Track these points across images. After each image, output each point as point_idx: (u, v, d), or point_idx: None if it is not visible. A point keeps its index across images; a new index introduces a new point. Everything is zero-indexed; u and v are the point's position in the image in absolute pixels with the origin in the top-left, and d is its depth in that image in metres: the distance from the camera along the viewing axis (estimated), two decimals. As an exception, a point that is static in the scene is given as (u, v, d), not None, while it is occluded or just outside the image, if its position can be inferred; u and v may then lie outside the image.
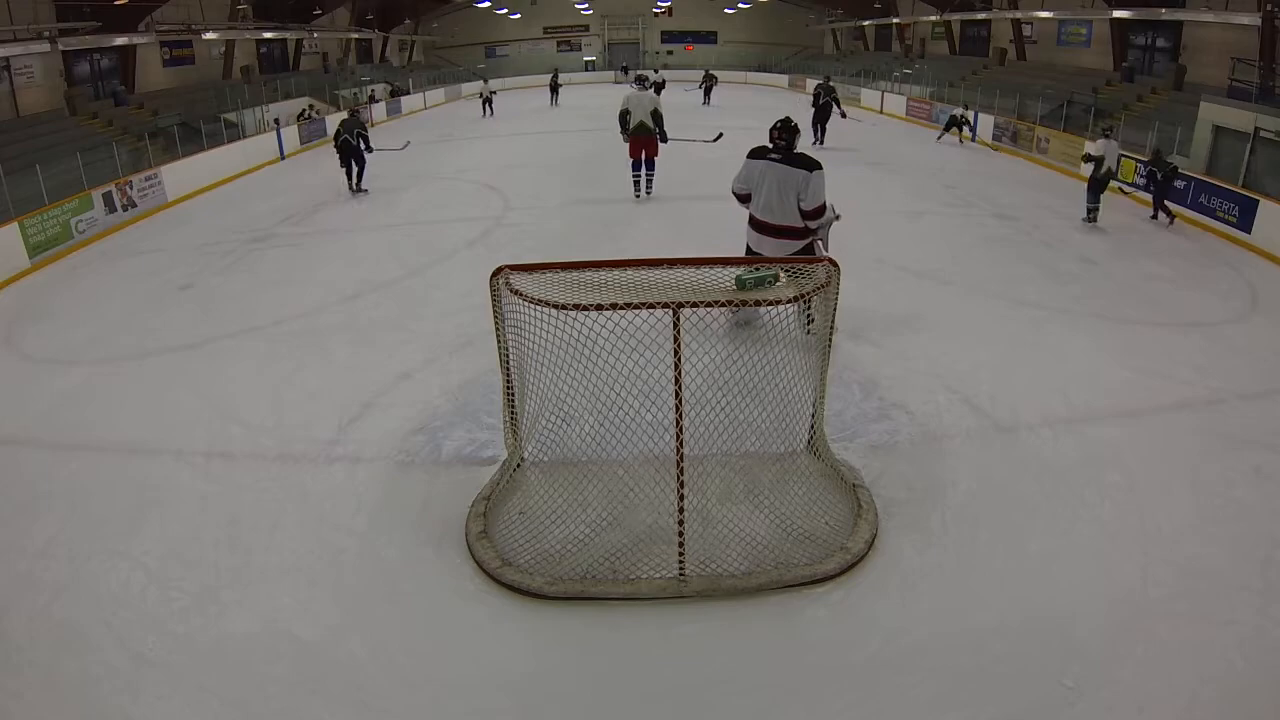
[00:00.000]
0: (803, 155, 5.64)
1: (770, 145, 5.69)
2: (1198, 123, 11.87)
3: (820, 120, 15.45)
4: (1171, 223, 10.01)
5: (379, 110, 24.08)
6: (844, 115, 16.19)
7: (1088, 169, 9.98)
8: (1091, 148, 10.22)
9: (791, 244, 5.66)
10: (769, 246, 5.65)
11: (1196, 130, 11.87)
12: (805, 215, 5.57)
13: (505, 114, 23.46)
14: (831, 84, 16.12)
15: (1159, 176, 9.98)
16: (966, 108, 17.39)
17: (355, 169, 12.21)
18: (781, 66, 34.17)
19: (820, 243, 5.94)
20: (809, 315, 3.80)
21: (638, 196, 10.82)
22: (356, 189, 12.28)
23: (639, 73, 12.34)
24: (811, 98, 16.40)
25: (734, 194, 5.93)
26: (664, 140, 10.31)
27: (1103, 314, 6.76)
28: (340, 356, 6.17)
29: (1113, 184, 10.34)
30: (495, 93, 24.61)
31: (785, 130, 5.66)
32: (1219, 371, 5.63)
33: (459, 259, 8.61)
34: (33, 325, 7.38)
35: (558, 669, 3.20)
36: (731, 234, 6.47)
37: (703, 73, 26.39)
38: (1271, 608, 3.40)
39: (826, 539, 3.76)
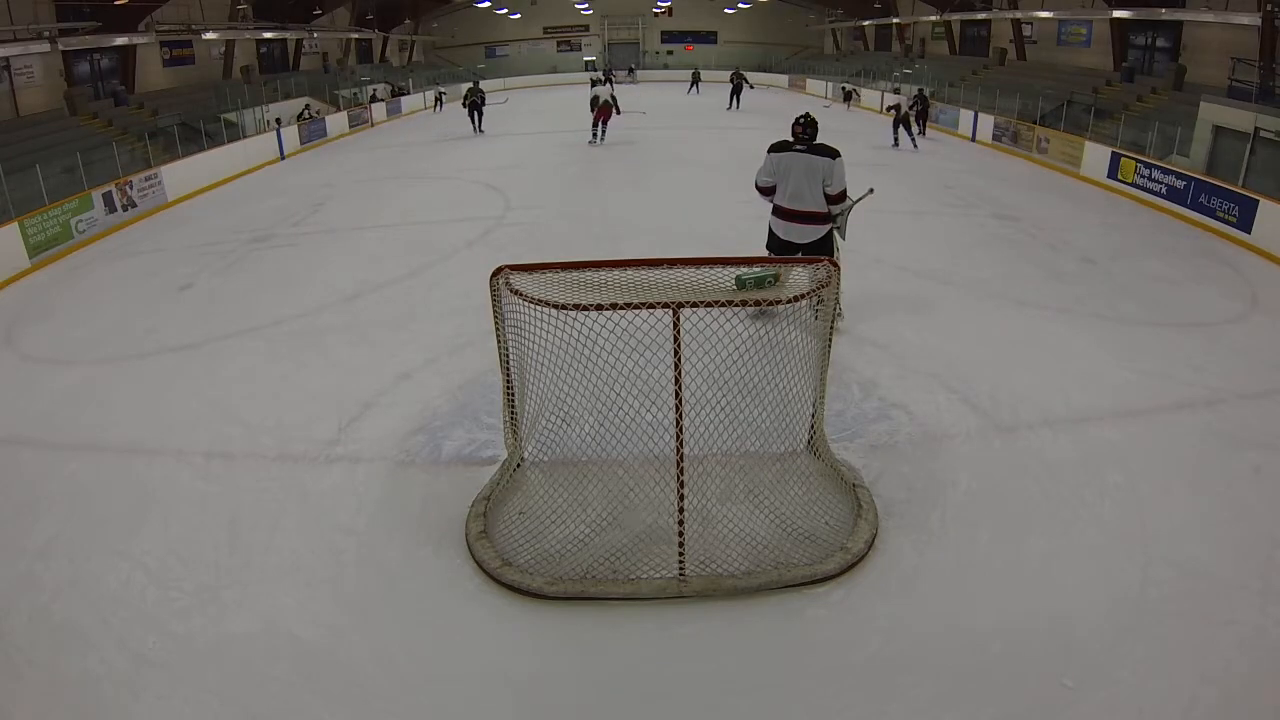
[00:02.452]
0: (824, 145, 5.98)
1: (793, 139, 6.04)
2: (1198, 123, 11.87)
3: (734, 94, 23.58)
4: (923, 134, 16.85)
5: (379, 110, 24.14)
6: (751, 87, 24.58)
7: (890, 113, 16.41)
8: (891, 99, 18.13)
9: (817, 229, 6.04)
10: (795, 233, 6.07)
11: (1196, 130, 11.88)
12: (830, 199, 5.98)
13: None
14: (742, 72, 24.47)
15: (922, 106, 16.86)
16: (849, 81, 25.38)
17: (478, 119, 18.82)
18: (781, 67, 34.18)
19: (838, 231, 6.19)
20: (818, 297, 3.87)
21: (591, 142, 16.33)
22: (480, 131, 18.80)
23: (614, 73, 19.75)
24: (728, 78, 24.49)
25: (758, 188, 6.23)
26: (618, 112, 16.58)
27: (1103, 314, 6.76)
28: (340, 356, 6.17)
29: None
30: (445, 93, 27.17)
31: (808, 125, 6.05)
32: (1219, 371, 5.63)
33: (459, 259, 8.61)
34: (33, 325, 7.38)
35: (558, 669, 3.20)
36: (733, 238, 6.45)
37: (692, 70, 31.27)
38: (1271, 608, 3.39)
39: (826, 539, 3.76)
